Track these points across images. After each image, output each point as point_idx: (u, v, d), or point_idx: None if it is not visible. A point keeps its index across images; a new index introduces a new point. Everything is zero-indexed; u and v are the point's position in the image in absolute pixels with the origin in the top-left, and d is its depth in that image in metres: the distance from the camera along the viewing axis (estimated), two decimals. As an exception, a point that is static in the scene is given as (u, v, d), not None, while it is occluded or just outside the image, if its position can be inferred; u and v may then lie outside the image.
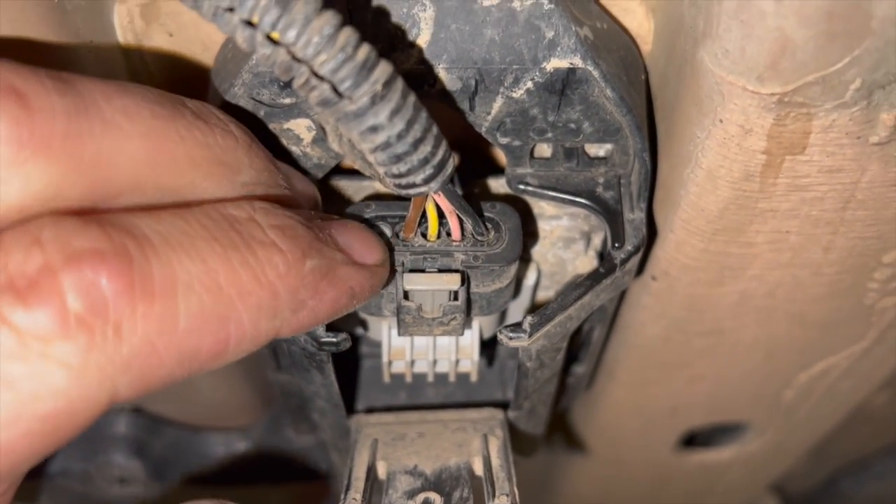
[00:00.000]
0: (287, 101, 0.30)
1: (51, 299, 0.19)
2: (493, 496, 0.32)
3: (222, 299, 0.22)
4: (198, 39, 0.33)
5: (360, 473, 0.34)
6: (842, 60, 0.26)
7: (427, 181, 0.27)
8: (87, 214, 0.21)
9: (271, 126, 0.31)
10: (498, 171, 0.36)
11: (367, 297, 0.28)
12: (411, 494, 0.33)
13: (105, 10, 0.31)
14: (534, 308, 0.39)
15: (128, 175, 0.21)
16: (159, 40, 0.33)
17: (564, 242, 0.37)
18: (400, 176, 0.27)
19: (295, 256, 0.24)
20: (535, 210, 0.36)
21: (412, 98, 0.25)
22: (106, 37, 0.31)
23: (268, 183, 0.26)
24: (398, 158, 0.26)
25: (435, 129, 0.26)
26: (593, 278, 0.33)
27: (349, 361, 0.43)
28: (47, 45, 0.28)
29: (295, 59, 0.23)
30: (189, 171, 0.23)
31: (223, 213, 0.23)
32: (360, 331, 0.39)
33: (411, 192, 0.27)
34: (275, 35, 0.23)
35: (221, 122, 0.24)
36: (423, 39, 0.29)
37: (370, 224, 0.31)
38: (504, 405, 0.39)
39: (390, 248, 0.31)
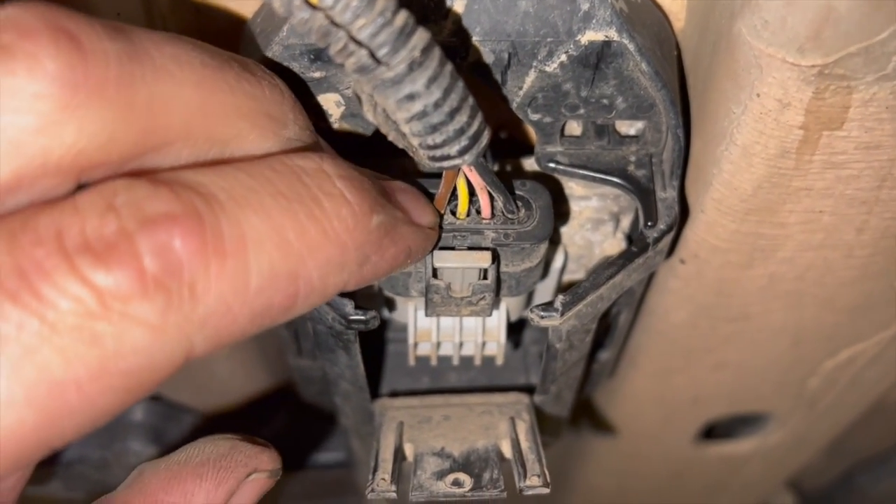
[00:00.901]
0: (317, 74, 0.30)
1: (129, 262, 0.19)
2: (525, 477, 0.31)
3: (292, 255, 0.22)
4: (225, 18, 0.33)
5: (387, 455, 0.33)
6: (887, 29, 0.25)
7: (462, 153, 0.26)
8: (152, 173, 0.21)
9: (301, 101, 0.31)
10: (527, 152, 0.35)
11: (419, 259, 0.28)
12: (441, 475, 0.32)
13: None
14: (560, 291, 0.39)
15: (180, 123, 0.21)
16: (187, 15, 0.33)
17: (593, 224, 0.36)
18: (435, 147, 0.26)
19: (363, 210, 0.24)
20: (566, 191, 0.35)
21: (449, 66, 0.25)
22: (135, 9, 0.31)
23: (309, 142, 0.26)
24: (434, 128, 0.25)
25: (471, 100, 0.26)
26: (626, 257, 0.32)
27: (373, 346, 0.42)
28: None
29: (333, 23, 0.23)
30: (238, 121, 0.23)
31: (290, 165, 0.23)
32: (384, 313, 0.39)
33: (445, 164, 0.27)
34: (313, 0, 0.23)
35: (268, 76, 0.24)
36: (456, 11, 0.29)
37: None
38: (529, 390, 0.39)
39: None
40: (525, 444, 0.33)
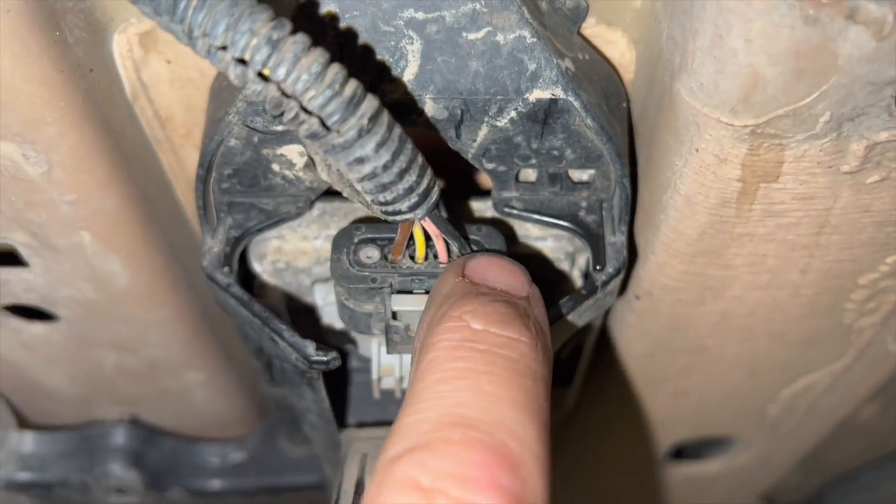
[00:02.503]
0: (280, 127, 0.31)
1: None
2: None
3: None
4: (195, 66, 0.34)
5: (348, 487, 0.35)
6: (810, 95, 0.27)
7: (412, 208, 0.28)
8: None
9: (265, 151, 0.33)
10: (485, 193, 0.37)
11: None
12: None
13: (105, 40, 0.32)
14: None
15: None
16: (158, 67, 0.34)
17: (550, 263, 0.38)
18: (386, 203, 0.28)
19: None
20: (522, 231, 0.37)
21: (398, 130, 0.26)
22: (106, 65, 0.32)
23: None
24: (384, 187, 0.27)
25: (420, 160, 0.27)
26: (575, 299, 0.34)
27: (341, 376, 0.44)
28: (50, 77, 0.29)
29: (285, 94, 0.24)
30: None
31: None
32: (350, 347, 0.40)
33: (398, 218, 0.29)
34: (265, 72, 0.24)
35: None
36: (410, 71, 0.30)
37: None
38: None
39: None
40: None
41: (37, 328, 0.44)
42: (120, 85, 0.34)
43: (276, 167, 0.33)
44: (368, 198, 0.28)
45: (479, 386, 0.25)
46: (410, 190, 0.27)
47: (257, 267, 0.37)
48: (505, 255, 0.32)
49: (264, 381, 0.44)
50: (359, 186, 0.27)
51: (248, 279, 0.38)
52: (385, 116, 0.26)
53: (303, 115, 0.25)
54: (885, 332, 0.42)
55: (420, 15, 0.29)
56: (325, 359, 0.33)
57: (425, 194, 0.28)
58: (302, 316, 0.39)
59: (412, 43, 0.30)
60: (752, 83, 0.27)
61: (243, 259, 0.37)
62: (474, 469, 0.23)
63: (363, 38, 0.29)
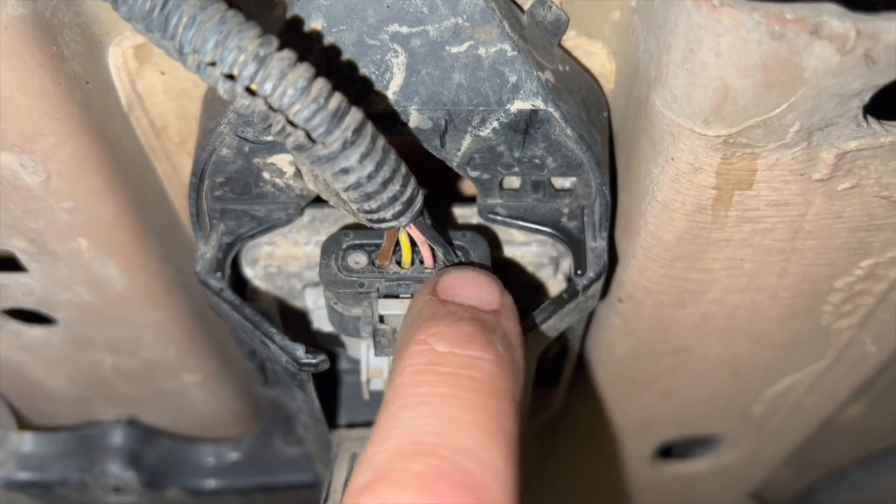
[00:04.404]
0: (269, 137, 0.32)
1: None
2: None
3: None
4: (188, 77, 0.35)
5: (337, 486, 0.36)
6: (780, 106, 0.28)
7: (397, 216, 0.29)
8: None
9: (255, 160, 0.34)
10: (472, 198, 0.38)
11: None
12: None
13: (101, 53, 0.33)
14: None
15: None
16: (152, 78, 0.35)
17: (535, 267, 0.39)
18: (371, 212, 0.29)
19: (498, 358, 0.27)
20: (506, 237, 0.38)
21: (381, 142, 0.27)
22: (102, 77, 0.34)
23: None
24: (369, 196, 0.28)
25: (403, 169, 0.28)
26: (557, 303, 0.35)
27: (332, 377, 0.45)
28: (47, 90, 0.30)
29: (271, 108, 0.25)
30: None
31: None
32: (339, 349, 0.41)
33: (383, 225, 0.30)
34: (253, 87, 0.25)
35: None
36: (396, 83, 0.31)
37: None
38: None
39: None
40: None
41: (36, 331, 0.45)
42: (115, 96, 0.35)
43: (266, 175, 0.34)
44: (354, 206, 0.29)
45: (441, 411, 0.25)
46: (394, 199, 0.28)
47: (250, 272, 0.38)
48: (483, 265, 0.34)
49: (258, 383, 0.45)
50: (344, 196, 0.28)
51: (240, 284, 0.39)
52: (369, 128, 0.27)
53: (289, 128, 0.26)
54: (864, 334, 0.43)
55: (405, 29, 0.30)
56: (314, 361, 0.34)
57: (409, 203, 0.29)
58: (294, 319, 0.41)
59: (397, 56, 0.31)
60: (723, 95, 0.28)
61: (236, 264, 0.38)
62: (434, 498, 0.23)
63: (350, 52, 0.30)
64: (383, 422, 0.26)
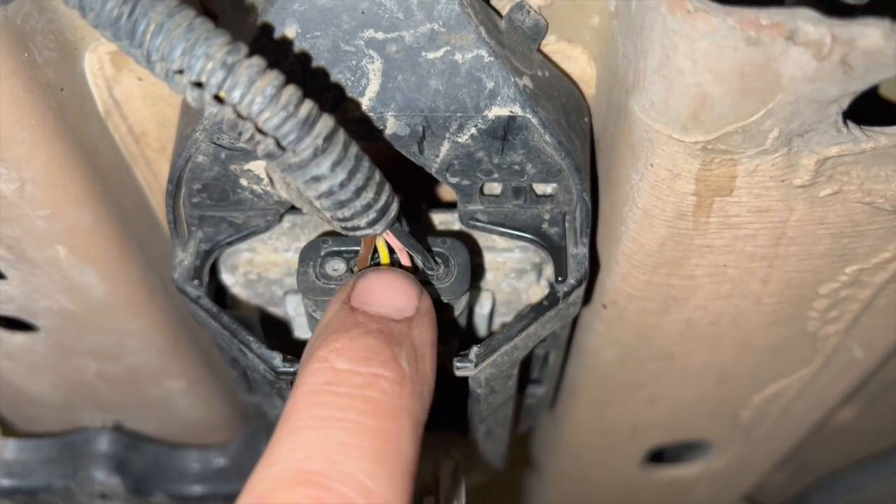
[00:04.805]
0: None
1: None
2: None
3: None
4: (166, 83, 0.35)
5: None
6: (758, 112, 0.28)
7: (371, 224, 0.29)
8: None
9: (232, 167, 0.33)
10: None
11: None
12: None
13: (76, 59, 0.33)
14: (492, 334, 0.41)
15: None
16: (130, 84, 0.35)
17: (517, 273, 0.39)
18: (345, 220, 0.28)
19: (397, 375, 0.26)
20: (488, 243, 0.38)
21: (354, 149, 0.27)
22: (77, 84, 0.33)
23: None
24: (342, 204, 0.28)
25: (377, 177, 0.28)
26: (538, 310, 0.34)
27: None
28: (19, 97, 0.29)
29: (240, 116, 0.25)
30: None
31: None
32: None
33: (358, 233, 0.29)
34: (221, 94, 0.25)
35: None
36: (372, 89, 0.31)
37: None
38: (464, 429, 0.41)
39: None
40: (446, 484, 0.36)
41: (18, 338, 0.45)
42: (92, 102, 0.35)
43: (244, 182, 0.34)
44: (327, 214, 0.28)
45: (331, 436, 0.24)
46: (368, 206, 0.28)
47: (230, 279, 0.38)
48: (463, 270, 0.33)
49: (241, 389, 0.45)
50: (317, 203, 0.28)
51: (221, 291, 0.38)
52: (341, 136, 0.26)
53: (258, 136, 0.25)
54: (850, 340, 0.43)
55: (380, 35, 0.30)
56: (291, 370, 0.33)
57: (384, 210, 0.29)
58: (275, 326, 0.40)
59: (373, 62, 0.30)
60: (700, 101, 0.28)
61: (215, 271, 0.37)
62: None
63: (325, 58, 0.30)
64: (273, 445, 0.25)
